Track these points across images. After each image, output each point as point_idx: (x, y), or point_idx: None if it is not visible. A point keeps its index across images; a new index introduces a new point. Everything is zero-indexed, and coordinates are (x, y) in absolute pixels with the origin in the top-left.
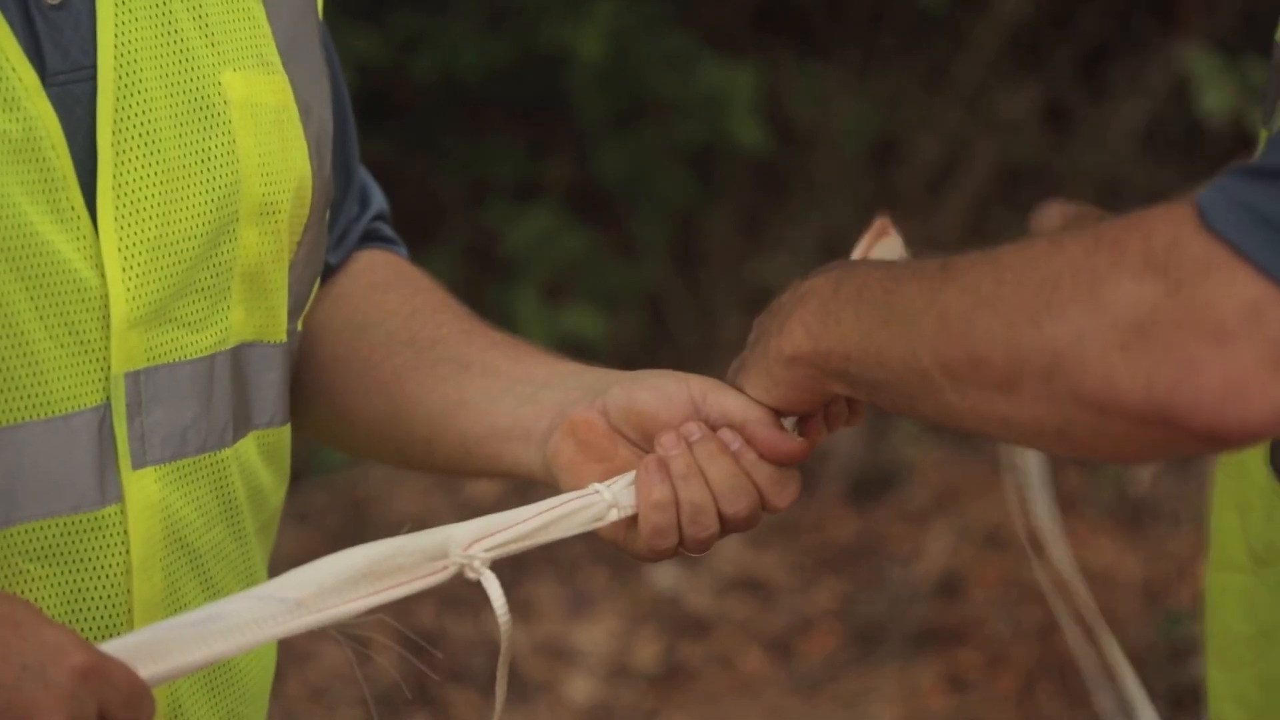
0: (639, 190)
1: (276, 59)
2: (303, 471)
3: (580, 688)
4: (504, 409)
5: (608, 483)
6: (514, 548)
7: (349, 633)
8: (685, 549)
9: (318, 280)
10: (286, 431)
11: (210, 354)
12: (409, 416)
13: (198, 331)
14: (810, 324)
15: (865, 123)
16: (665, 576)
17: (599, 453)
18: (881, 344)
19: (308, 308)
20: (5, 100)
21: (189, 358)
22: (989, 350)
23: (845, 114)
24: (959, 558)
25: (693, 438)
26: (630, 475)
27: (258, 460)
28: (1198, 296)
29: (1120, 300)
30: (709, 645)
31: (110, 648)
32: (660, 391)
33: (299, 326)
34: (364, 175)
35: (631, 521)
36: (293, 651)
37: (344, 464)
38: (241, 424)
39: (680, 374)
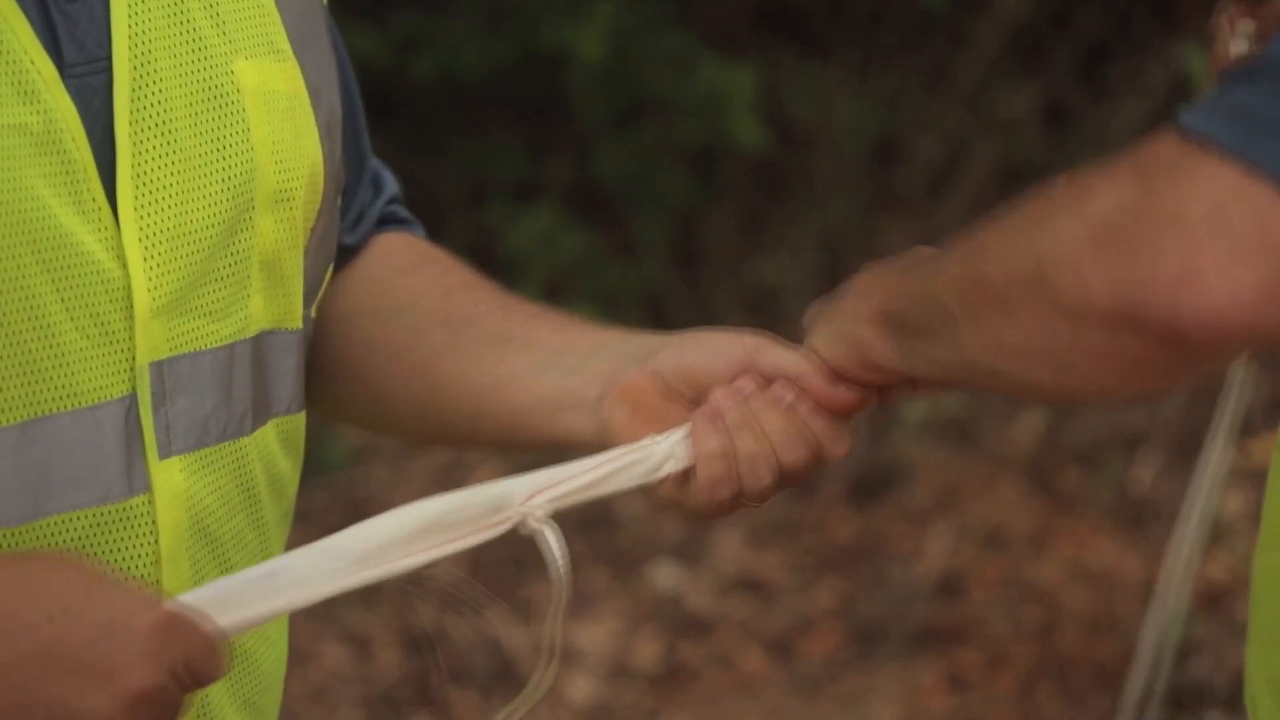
0: (639, 190)
1: (287, 46)
2: (303, 471)
3: (581, 688)
4: (550, 380)
5: (664, 435)
6: (574, 499)
7: (428, 582)
8: (744, 499)
9: (330, 266)
10: (303, 418)
11: (230, 343)
12: (451, 395)
13: (218, 320)
14: (883, 282)
15: (865, 123)
16: (666, 576)
17: (653, 414)
18: (921, 285)
19: (321, 294)
20: (26, 93)
21: (209, 346)
22: (989, 267)
23: (845, 114)
24: (959, 558)
25: (747, 391)
26: (686, 428)
27: (277, 448)
28: (1165, 191)
29: (1098, 204)
30: (709, 645)
31: (183, 600)
32: (712, 349)
33: (313, 313)
34: (375, 161)
35: (688, 475)
36: (294, 651)
37: (344, 464)
38: (261, 412)
39: (731, 331)
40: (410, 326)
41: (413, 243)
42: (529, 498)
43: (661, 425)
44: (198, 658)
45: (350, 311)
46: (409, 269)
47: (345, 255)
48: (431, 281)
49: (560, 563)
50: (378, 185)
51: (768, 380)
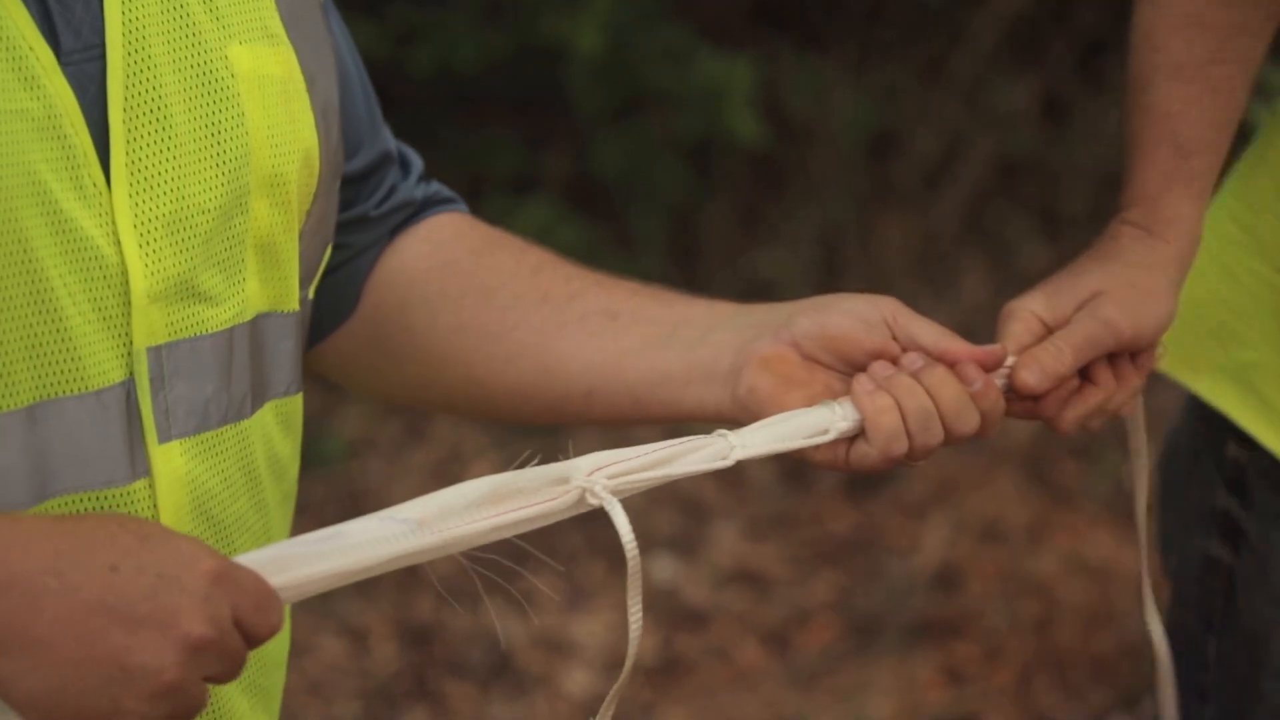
0: (637, 184)
1: (281, 30)
2: (301, 464)
3: (578, 680)
4: (673, 354)
5: (737, 431)
6: (636, 479)
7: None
8: (913, 458)
9: (328, 248)
10: (300, 400)
11: (229, 327)
12: (561, 374)
13: (216, 305)
14: None
15: (863, 116)
16: (663, 569)
17: (798, 382)
18: None
19: (318, 276)
20: (26, 79)
21: (209, 331)
22: None
23: (843, 107)
24: (956, 550)
25: (915, 366)
26: (762, 422)
27: (276, 430)
28: None
29: None
30: (706, 638)
31: (237, 560)
32: (853, 315)
33: (310, 294)
34: (397, 141)
35: (854, 439)
36: (291, 644)
37: (341, 457)
38: (259, 394)
39: (865, 296)
40: (506, 307)
41: (475, 223)
42: (591, 473)
43: (809, 392)
44: (251, 609)
45: (434, 295)
46: (486, 249)
47: (390, 234)
48: (515, 261)
49: (628, 540)
50: (405, 163)
51: (904, 349)
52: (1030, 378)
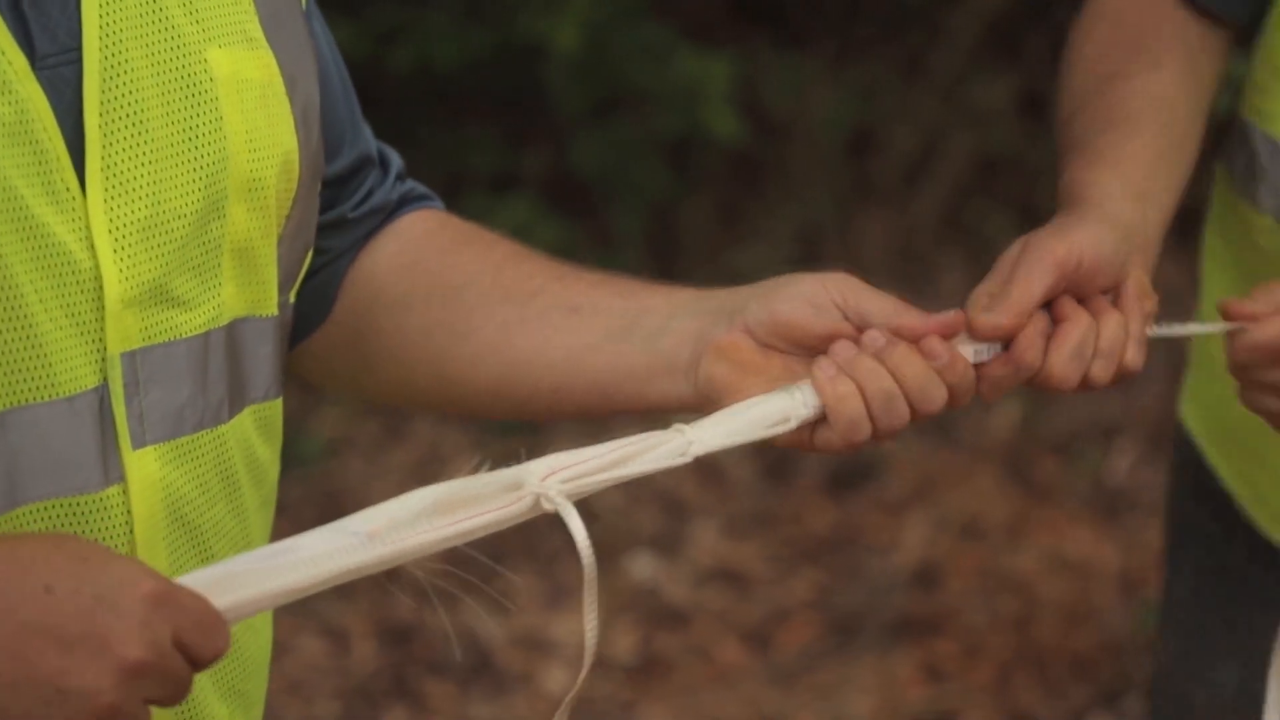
0: (616, 181)
1: (260, 34)
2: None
3: (558, 679)
4: (635, 347)
5: (695, 424)
6: (592, 481)
7: (428, 573)
8: (880, 438)
9: (310, 251)
10: (279, 405)
11: (204, 332)
12: (527, 372)
13: (191, 310)
14: None
15: (842, 113)
16: (643, 567)
17: (754, 368)
18: None
19: (299, 280)
20: None
21: (184, 336)
22: None
23: (822, 104)
24: (936, 548)
25: (877, 346)
26: (721, 411)
27: (255, 435)
28: None
29: None
30: (686, 636)
31: (183, 581)
32: (800, 298)
33: (291, 298)
34: (377, 141)
35: (818, 423)
36: (272, 644)
37: (319, 457)
38: (238, 399)
39: (816, 276)
40: (472, 306)
41: (446, 220)
42: (545, 477)
43: (765, 378)
44: (193, 631)
45: (402, 296)
46: (453, 247)
47: (360, 231)
48: (480, 258)
49: (583, 544)
50: (384, 162)
51: (857, 328)
52: (986, 316)
